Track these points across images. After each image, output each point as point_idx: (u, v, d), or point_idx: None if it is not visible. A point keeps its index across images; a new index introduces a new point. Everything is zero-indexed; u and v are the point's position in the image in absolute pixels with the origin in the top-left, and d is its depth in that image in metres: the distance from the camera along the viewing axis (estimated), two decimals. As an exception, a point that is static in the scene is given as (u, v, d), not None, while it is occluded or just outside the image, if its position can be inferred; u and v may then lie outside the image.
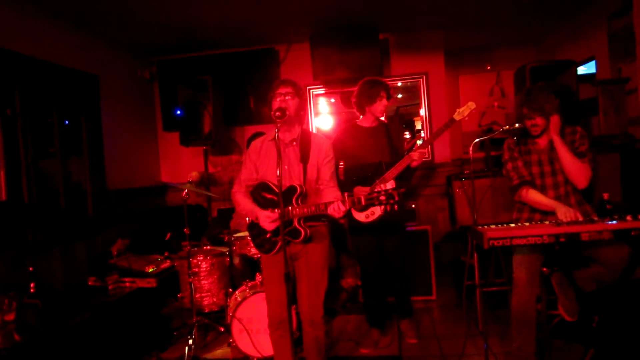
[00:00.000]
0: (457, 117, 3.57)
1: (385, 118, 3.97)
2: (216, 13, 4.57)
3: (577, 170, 2.83)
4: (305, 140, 2.84)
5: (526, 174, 2.97)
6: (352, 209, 3.61)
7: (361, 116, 3.86)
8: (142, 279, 4.18)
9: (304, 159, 2.79)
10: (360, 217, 3.66)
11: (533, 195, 2.92)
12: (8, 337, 2.94)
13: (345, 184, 3.62)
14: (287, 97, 2.73)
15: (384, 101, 3.72)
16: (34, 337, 3.00)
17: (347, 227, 4.98)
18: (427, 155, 3.59)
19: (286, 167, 2.79)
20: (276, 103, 2.72)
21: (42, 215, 4.05)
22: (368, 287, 3.97)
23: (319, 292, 2.86)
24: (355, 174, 3.69)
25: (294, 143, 2.83)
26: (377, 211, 3.60)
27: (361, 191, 3.38)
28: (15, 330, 3.03)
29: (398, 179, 3.61)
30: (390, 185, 3.57)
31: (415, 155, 3.51)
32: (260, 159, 2.86)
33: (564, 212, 2.71)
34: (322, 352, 2.92)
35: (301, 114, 2.86)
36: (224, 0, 4.24)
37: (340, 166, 3.85)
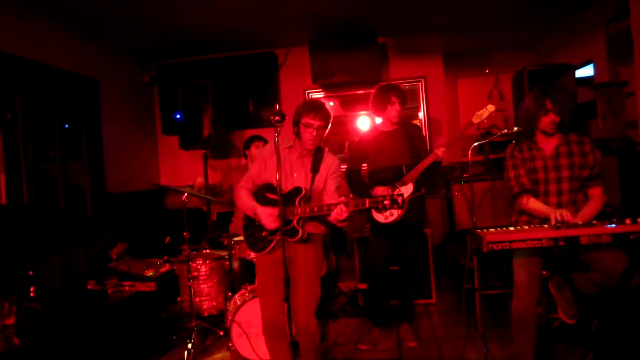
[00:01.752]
0: (475, 120, 3.60)
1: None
2: (215, 18, 4.58)
3: (598, 209, 2.89)
4: (319, 155, 2.91)
5: (527, 183, 2.96)
6: (372, 209, 3.73)
7: (380, 120, 3.95)
8: (142, 282, 4.18)
9: (314, 169, 2.86)
10: (380, 217, 3.76)
11: (532, 204, 2.93)
12: (8, 341, 2.94)
13: (369, 186, 3.79)
14: (320, 132, 2.79)
15: (396, 106, 3.76)
16: (34, 341, 3.00)
17: (349, 230, 5.03)
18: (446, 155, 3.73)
19: (295, 174, 2.85)
20: (307, 134, 2.76)
21: (42, 218, 4.06)
22: (376, 285, 4.00)
23: (311, 301, 2.85)
24: (377, 177, 3.80)
25: (308, 155, 2.89)
26: (395, 213, 3.70)
27: (380, 190, 3.62)
28: (15, 334, 3.04)
29: (426, 174, 3.72)
30: (407, 189, 3.70)
31: (439, 152, 3.63)
32: (271, 162, 2.87)
33: (554, 217, 2.71)
34: (319, 358, 2.94)
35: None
36: (223, 5, 4.25)
37: (364, 168, 3.94)
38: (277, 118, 2.58)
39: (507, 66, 6.14)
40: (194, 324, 3.80)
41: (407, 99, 3.90)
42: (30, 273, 3.56)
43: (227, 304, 3.77)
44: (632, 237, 2.43)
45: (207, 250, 4.38)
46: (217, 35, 5.17)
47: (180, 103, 5.18)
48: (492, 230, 2.71)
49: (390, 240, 3.85)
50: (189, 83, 5.20)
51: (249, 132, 5.55)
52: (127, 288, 4.15)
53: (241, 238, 3.91)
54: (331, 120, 2.84)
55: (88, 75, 4.76)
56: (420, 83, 5.66)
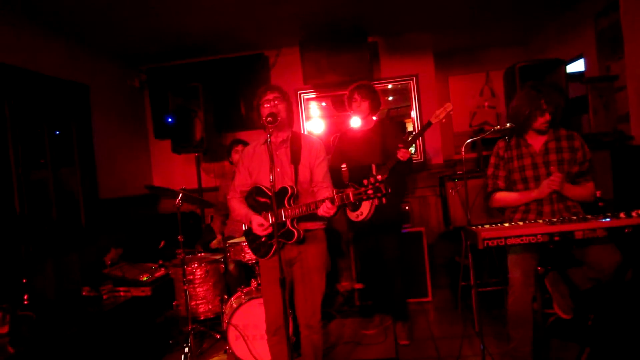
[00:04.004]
0: (433, 120, 3.58)
1: (376, 119, 3.99)
2: (205, 20, 4.56)
3: (586, 198, 2.92)
4: (296, 141, 2.87)
5: (502, 185, 3.05)
6: (347, 209, 3.73)
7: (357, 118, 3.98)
8: (137, 287, 4.16)
9: (295, 160, 2.82)
10: (352, 216, 3.80)
11: (499, 195, 2.99)
12: (2, 350, 2.91)
13: (347, 186, 3.77)
14: (275, 102, 2.77)
15: (356, 102, 3.83)
16: (28, 349, 2.98)
17: (344, 229, 5.04)
18: (416, 155, 3.73)
19: (278, 169, 2.82)
20: (266, 109, 2.75)
21: (35, 226, 4.02)
22: (370, 275, 4.13)
23: (315, 296, 2.86)
24: (352, 176, 3.83)
25: (285, 145, 2.85)
26: (364, 211, 3.73)
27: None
28: (9, 343, 3.00)
29: (398, 175, 3.71)
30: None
31: (400, 154, 3.58)
32: (253, 164, 2.88)
33: (547, 185, 2.81)
34: (319, 356, 2.92)
35: (291, 117, 2.89)
36: (212, 7, 4.23)
37: (344, 169, 3.95)
38: (269, 119, 2.60)
39: (498, 63, 6.15)
40: (190, 327, 3.78)
41: (376, 97, 3.88)
42: (24, 281, 3.54)
43: (224, 306, 3.75)
44: (626, 230, 2.45)
45: (202, 254, 4.36)
46: (207, 38, 5.15)
47: (171, 107, 5.15)
48: (487, 226, 2.71)
49: (373, 235, 3.90)
50: (180, 86, 5.18)
51: (242, 134, 5.55)
52: (122, 293, 4.13)
53: (236, 240, 3.90)
54: (286, 95, 2.83)
55: (78, 81, 4.72)
56: (411, 81, 5.66)
